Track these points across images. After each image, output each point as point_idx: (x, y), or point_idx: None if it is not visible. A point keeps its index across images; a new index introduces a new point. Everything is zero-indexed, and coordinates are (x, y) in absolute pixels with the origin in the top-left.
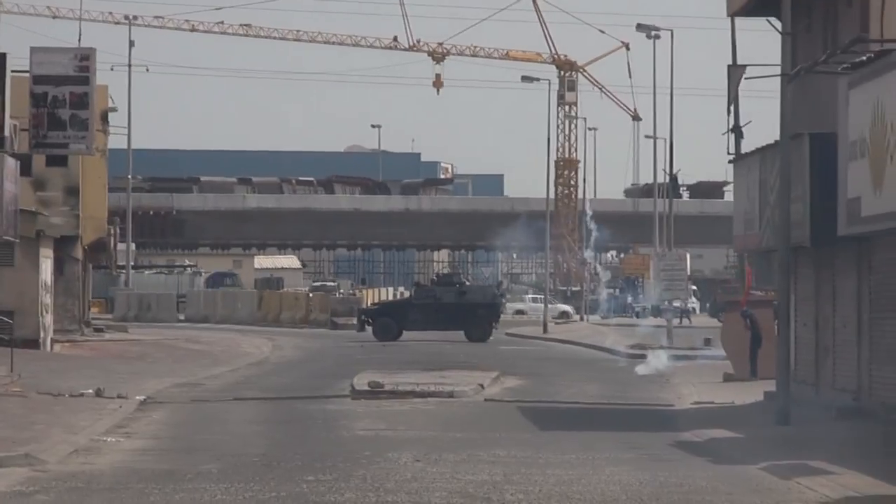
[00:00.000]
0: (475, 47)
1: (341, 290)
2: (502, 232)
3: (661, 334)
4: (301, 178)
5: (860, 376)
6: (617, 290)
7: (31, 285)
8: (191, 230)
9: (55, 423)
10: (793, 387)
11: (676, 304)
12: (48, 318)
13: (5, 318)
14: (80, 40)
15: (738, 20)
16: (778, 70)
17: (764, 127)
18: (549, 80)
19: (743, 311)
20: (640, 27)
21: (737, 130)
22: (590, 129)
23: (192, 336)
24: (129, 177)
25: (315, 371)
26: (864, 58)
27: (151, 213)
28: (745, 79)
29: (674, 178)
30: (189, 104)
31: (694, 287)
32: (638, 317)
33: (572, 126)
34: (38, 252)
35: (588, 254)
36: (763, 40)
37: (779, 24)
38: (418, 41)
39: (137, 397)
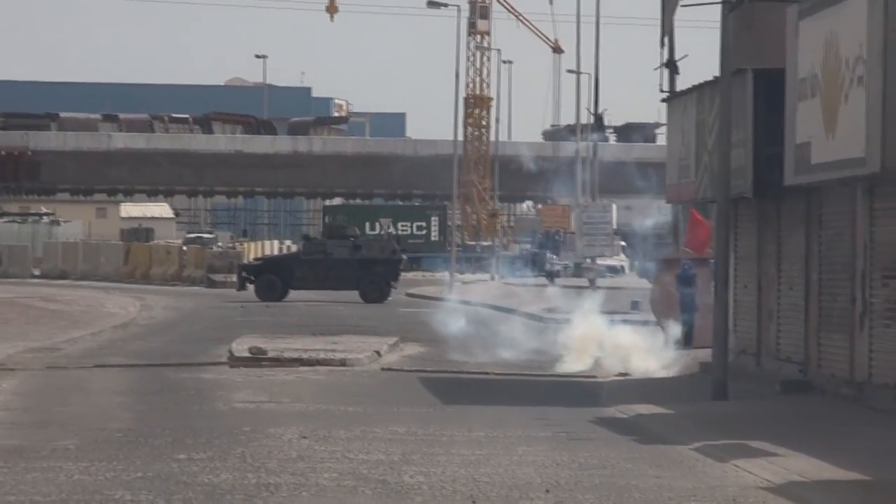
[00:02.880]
0: None
1: (219, 244)
2: (404, 178)
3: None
4: (174, 116)
5: (808, 345)
6: (535, 246)
7: None
8: (48, 173)
9: None
10: (731, 357)
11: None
12: None
13: None
14: None
15: None
16: None
17: (702, 62)
18: (458, 6)
19: (685, 266)
20: None
21: (671, 65)
22: (504, 62)
23: (49, 294)
24: None
25: (188, 335)
26: None
27: (3, 153)
28: (682, 7)
29: (599, 119)
30: (46, 29)
31: (623, 243)
32: (557, 276)
33: (484, 59)
34: None
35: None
36: None
37: None
38: None
39: None
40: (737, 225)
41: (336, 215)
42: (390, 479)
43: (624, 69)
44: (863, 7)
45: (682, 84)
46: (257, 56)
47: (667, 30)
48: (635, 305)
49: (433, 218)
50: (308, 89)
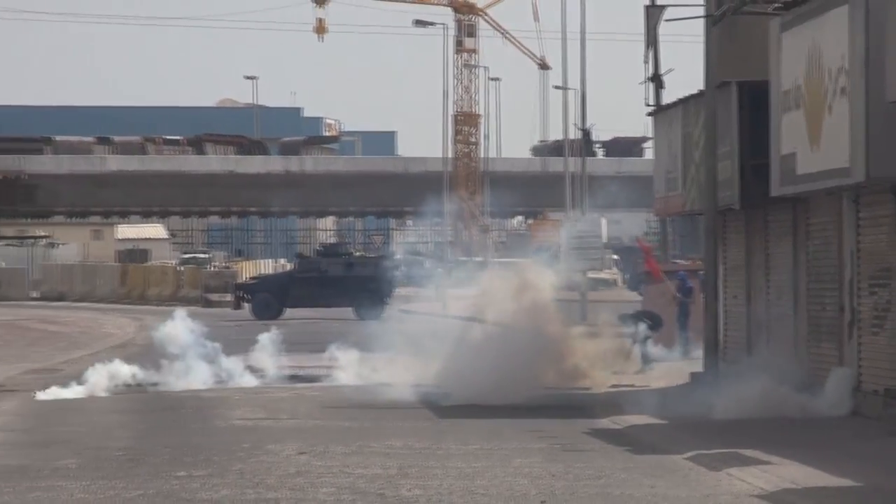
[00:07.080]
0: None
1: (214, 263)
2: (395, 196)
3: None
4: (167, 137)
5: (798, 355)
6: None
7: None
8: (44, 196)
9: None
10: (722, 367)
11: None
12: None
13: None
14: None
15: None
16: (702, 11)
17: (688, 75)
18: (445, 25)
19: (680, 276)
20: None
21: (657, 79)
22: (492, 79)
23: (48, 316)
24: None
25: None
26: None
27: None
28: (666, 21)
29: (587, 134)
30: (39, 53)
31: (615, 256)
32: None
33: (472, 76)
34: None
35: None
36: None
37: None
38: None
39: None
40: (725, 236)
41: None
42: (388, 493)
43: (610, 84)
44: (844, 19)
45: (667, 98)
46: (247, 77)
47: (651, 44)
48: (623, 319)
49: None
50: (299, 109)
